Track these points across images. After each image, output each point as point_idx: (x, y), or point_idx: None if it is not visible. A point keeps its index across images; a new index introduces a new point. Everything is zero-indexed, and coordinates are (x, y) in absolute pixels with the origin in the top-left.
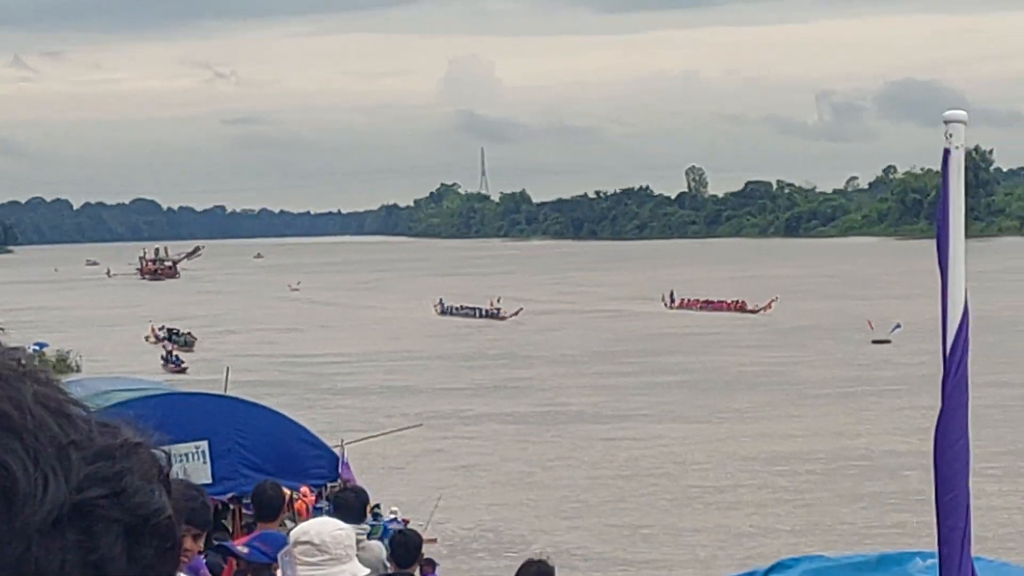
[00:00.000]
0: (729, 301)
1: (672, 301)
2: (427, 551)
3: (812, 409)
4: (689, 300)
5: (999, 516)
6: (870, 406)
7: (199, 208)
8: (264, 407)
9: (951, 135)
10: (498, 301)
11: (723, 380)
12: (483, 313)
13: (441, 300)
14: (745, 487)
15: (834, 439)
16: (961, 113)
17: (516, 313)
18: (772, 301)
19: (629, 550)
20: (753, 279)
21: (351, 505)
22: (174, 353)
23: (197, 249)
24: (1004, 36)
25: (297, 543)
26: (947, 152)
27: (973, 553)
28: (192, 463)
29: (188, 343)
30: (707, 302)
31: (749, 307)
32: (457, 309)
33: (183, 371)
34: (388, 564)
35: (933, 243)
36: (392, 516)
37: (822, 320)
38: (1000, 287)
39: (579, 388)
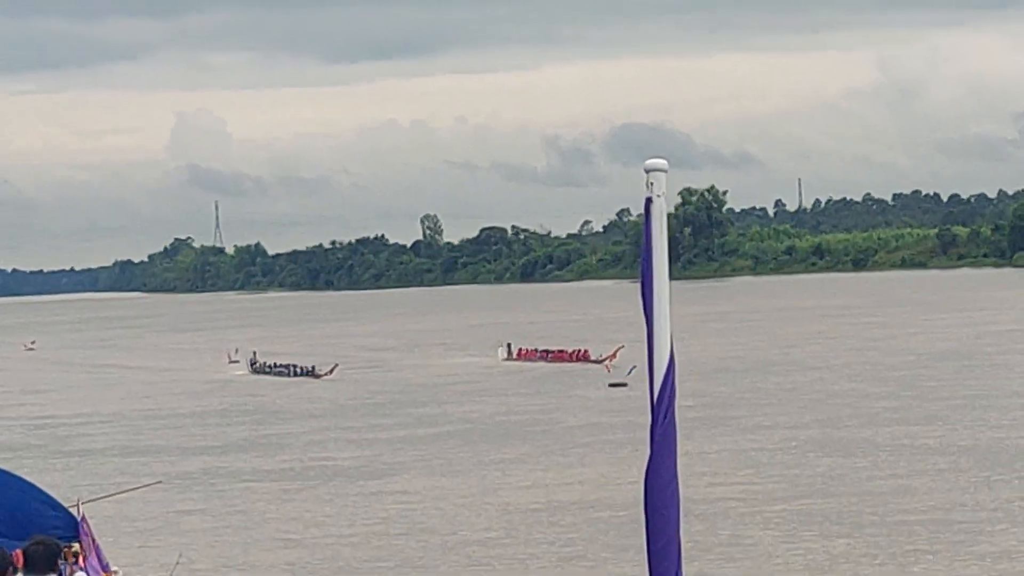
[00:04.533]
0: (571, 351)
1: (510, 353)
2: None
3: (560, 457)
4: (528, 351)
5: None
6: (614, 451)
7: None
8: None
9: (652, 183)
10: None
11: (479, 430)
12: (297, 371)
13: (254, 353)
14: (511, 540)
15: (590, 487)
16: (661, 162)
17: (332, 371)
18: (618, 350)
19: None
20: (491, 327)
21: (40, 557)
22: None
23: None
24: (723, 78)
25: None
26: (648, 200)
27: None
28: None
29: None
30: (547, 352)
31: (592, 357)
32: (271, 367)
33: None
34: None
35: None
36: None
37: (560, 366)
38: (743, 328)
39: (341, 442)
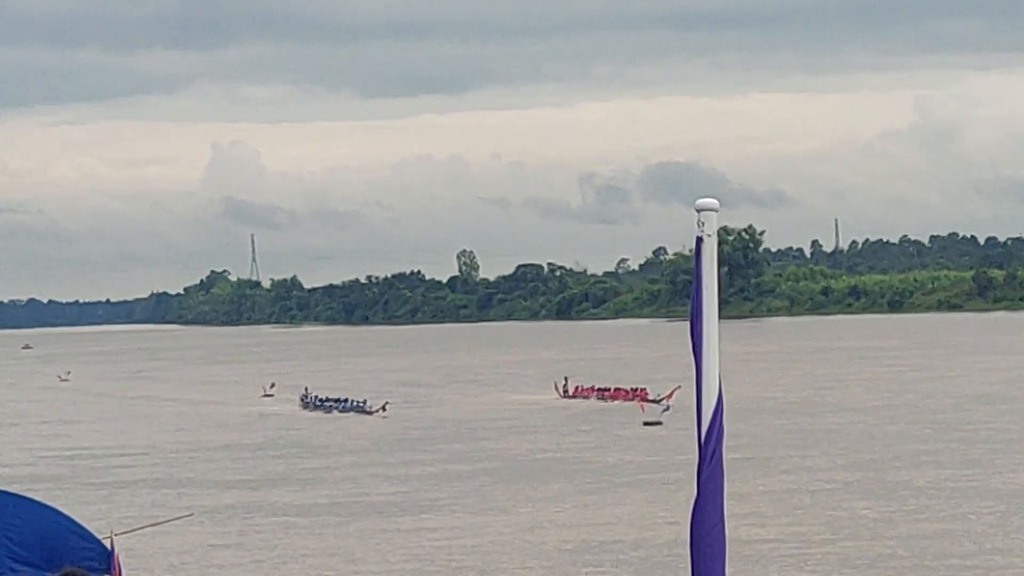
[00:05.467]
0: (627, 389)
1: (566, 390)
2: None
3: (599, 495)
4: (584, 388)
5: None
6: (654, 490)
7: None
8: (32, 500)
9: (703, 223)
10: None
11: (516, 467)
12: (349, 407)
13: (306, 388)
14: None
15: (630, 527)
16: (712, 201)
17: (383, 407)
18: (675, 390)
19: None
20: (534, 363)
21: None
22: None
23: None
24: (758, 118)
25: None
26: (699, 240)
27: None
28: None
29: None
30: (603, 390)
31: (650, 396)
32: (321, 401)
33: None
34: None
35: None
36: None
37: (597, 403)
38: (781, 368)
39: (378, 478)
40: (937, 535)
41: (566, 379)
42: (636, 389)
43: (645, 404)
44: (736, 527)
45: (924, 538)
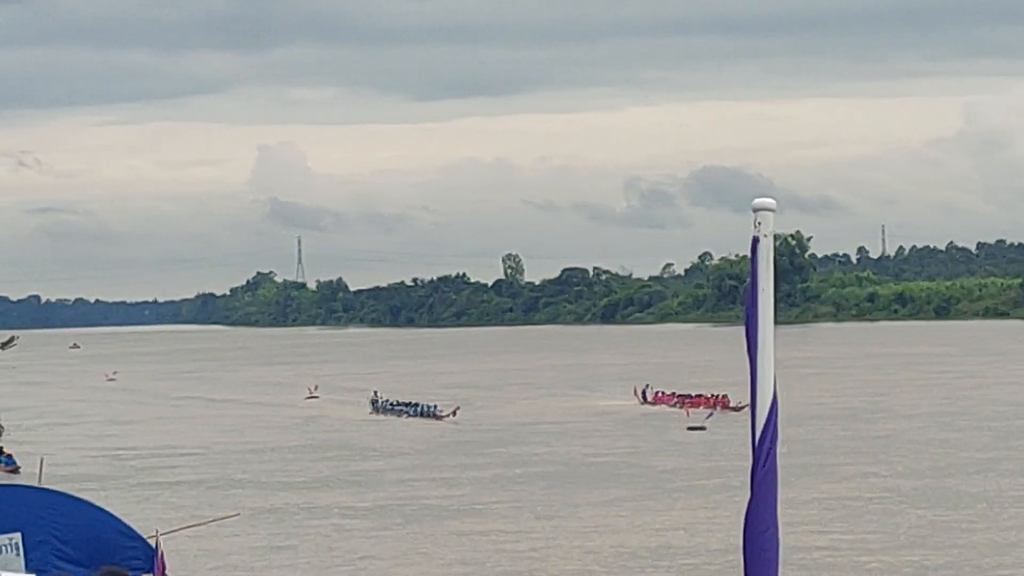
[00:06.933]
0: (708, 396)
1: (645, 397)
2: None
3: (651, 500)
4: (664, 395)
5: None
6: (707, 495)
7: (14, 298)
8: (78, 498)
9: (760, 223)
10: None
11: (569, 472)
12: (419, 411)
13: (376, 393)
14: None
15: (683, 532)
16: (770, 201)
17: (454, 412)
18: None
19: None
20: (574, 367)
21: None
22: (5, 452)
23: (12, 339)
24: (804, 123)
25: None
26: (755, 240)
27: None
28: (5, 556)
29: None
30: (684, 397)
31: (732, 404)
32: (392, 405)
33: (16, 471)
34: None
35: None
36: None
37: (641, 407)
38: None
39: (430, 481)
40: (997, 545)
41: (646, 385)
42: (718, 396)
43: (691, 409)
44: (792, 534)
45: (983, 546)
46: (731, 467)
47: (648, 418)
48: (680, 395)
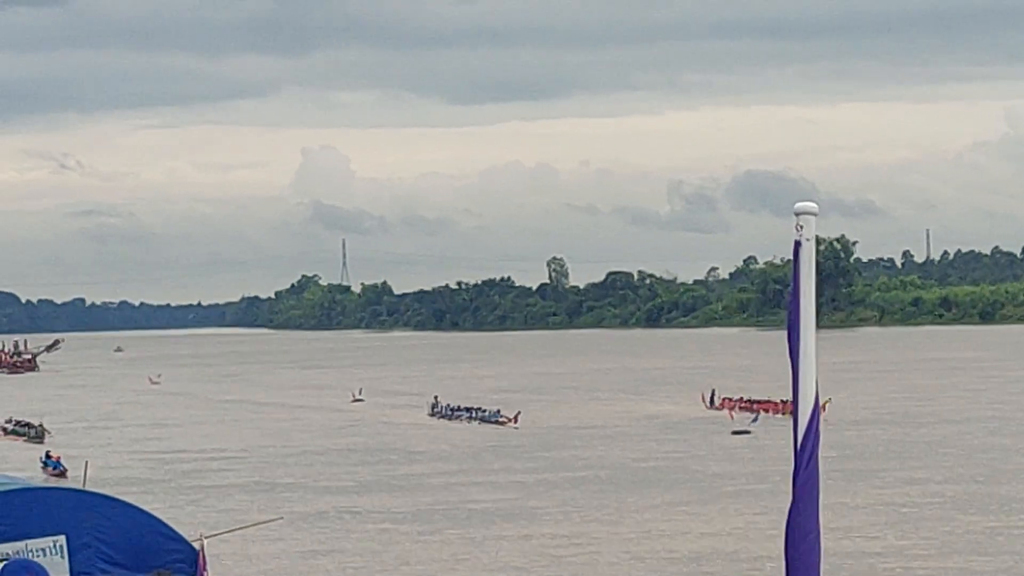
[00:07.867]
0: (777, 401)
1: (712, 402)
2: None
3: (699, 505)
4: (731, 400)
5: None
6: (754, 500)
7: (59, 301)
8: (122, 501)
9: (802, 227)
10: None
11: (616, 476)
12: (480, 416)
13: (436, 398)
14: None
15: (731, 537)
16: (812, 205)
17: (515, 418)
18: (825, 403)
19: None
20: (615, 372)
21: None
22: (52, 456)
23: (56, 342)
24: (847, 127)
25: None
26: (798, 244)
27: None
28: (49, 558)
29: (39, 435)
30: (752, 402)
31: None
32: (453, 410)
33: (63, 475)
34: None
35: None
36: None
37: (693, 411)
38: (877, 378)
39: (477, 485)
40: None
41: (713, 391)
42: (786, 401)
43: (734, 413)
44: (838, 540)
45: None
46: (776, 471)
47: (692, 421)
48: (747, 400)
